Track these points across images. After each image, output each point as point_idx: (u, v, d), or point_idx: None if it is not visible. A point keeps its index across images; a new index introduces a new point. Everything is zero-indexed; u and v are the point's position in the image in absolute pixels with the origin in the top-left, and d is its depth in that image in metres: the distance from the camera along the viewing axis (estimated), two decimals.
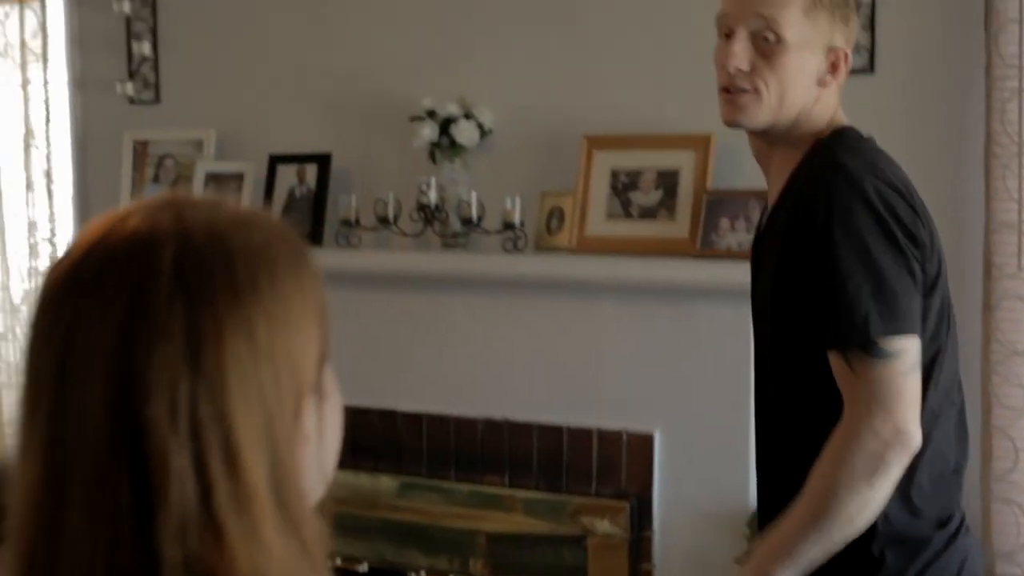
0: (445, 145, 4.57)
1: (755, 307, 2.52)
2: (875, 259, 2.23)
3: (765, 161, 2.49)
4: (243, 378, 1.07)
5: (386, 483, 4.76)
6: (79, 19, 5.55)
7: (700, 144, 4.20)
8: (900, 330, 2.22)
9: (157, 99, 5.38)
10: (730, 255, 4.05)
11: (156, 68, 5.37)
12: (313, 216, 4.82)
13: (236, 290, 1.08)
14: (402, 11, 4.79)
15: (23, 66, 5.56)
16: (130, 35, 5.39)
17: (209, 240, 1.09)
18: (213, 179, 5.08)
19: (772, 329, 2.43)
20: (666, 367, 4.28)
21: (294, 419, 1.11)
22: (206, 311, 1.06)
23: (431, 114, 4.56)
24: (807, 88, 2.37)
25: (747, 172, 4.22)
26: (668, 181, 4.27)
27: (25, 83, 5.56)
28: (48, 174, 5.56)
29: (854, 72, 4.00)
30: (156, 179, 5.26)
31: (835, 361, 2.26)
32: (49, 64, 5.53)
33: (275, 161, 4.96)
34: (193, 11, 5.27)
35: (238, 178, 5.04)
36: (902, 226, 2.26)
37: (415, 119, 4.58)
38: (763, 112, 2.37)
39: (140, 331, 1.05)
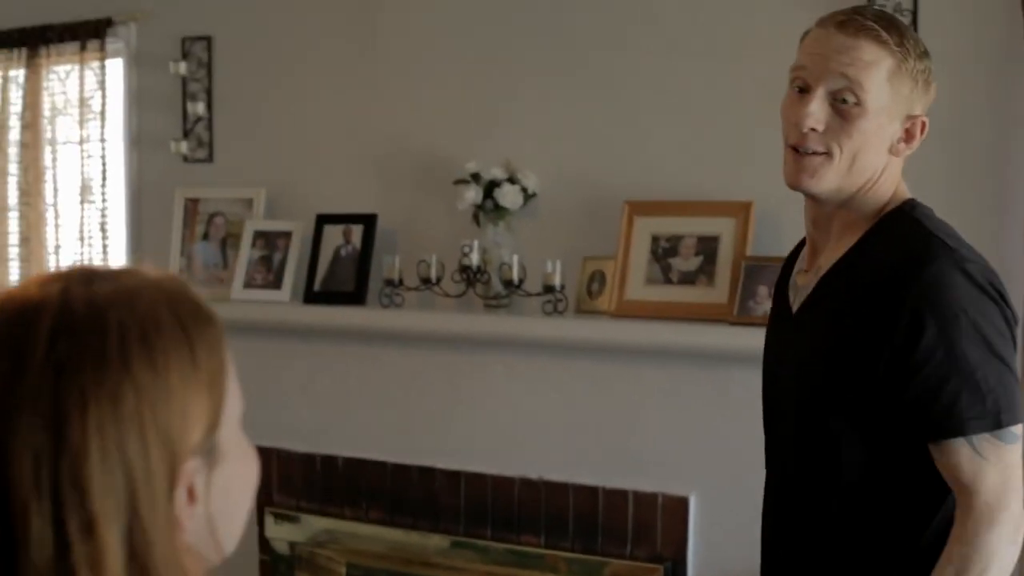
0: (489, 208, 4.62)
1: (785, 373, 2.48)
2: (998, 349, 2.21)
3: (821, 225, 2.43)
4: (105, 447, 1.12)
5: (424, 540, 4.79)
6: (137, 78, 5.66)
7: (740, 211, 4.24)
8: (1020, 418, 2.22)
9: (210, 158, 5.48)
10: (767, 322, 4.07)
11: (210, 127, 5.47)
12: (358, 275, 4.89)
13: (105, 362, 1.14)
14: (449, 75, 4.87)
15: (82, 123, 5.68)
16: (186, 95, 5.50)
17: (87, 313, 1.16)
18: (261, 237, 5.16)
19: (824, 403, 2.36)
20: (702, 431, 4.30)
21: (166, 486, 1.16)
22: (73, 381, 1.13)
23: (475, 177, 4.62)
24: (879, 155, 2.32)
25: (786, 239, 4.24)
26: (708, 247, 4.30)
27: (83, 139, 5.67)
28: (103, 228, 5.65)
29: None
30: (206, 236, 5.34)
31: (954, 449, 2.20)
32: (107, 121, 5.64)
33: (322, 220, 5.03)
34: (247, 73, 5.37)
35: (286, 236, 5.12)
36: (1011, 311, 2.27)
37: (460, 182, 4.65)
38: (832, 177, 2.30)
39: (10, 399, 1.13)
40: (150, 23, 5.57)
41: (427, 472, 4.80)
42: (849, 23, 2.30)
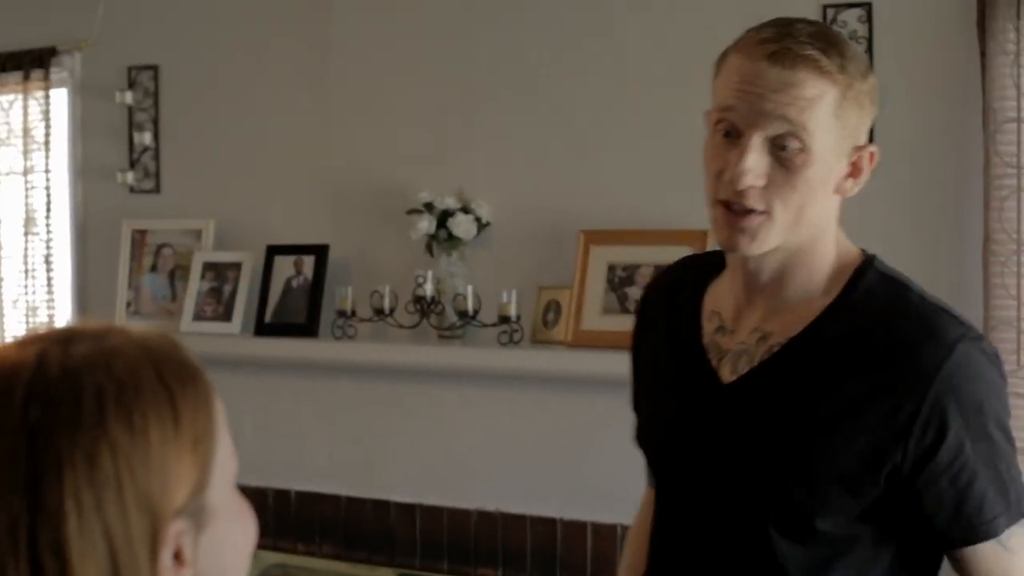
0: (442, 238, 4.59)
1: (708, 452, 2.05)
2: (1011, 434, 1.97)
3: (753, 282, 2.03)
4: (82, 510, 1.11)
5: (381, 573, 4.75)
6: (82, 108, 5.59)
7: (696, 239, 4.22)
8: None
9: (157, 188, 5.42)
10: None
11: (157, 158, 5.41)
12: (309, 307, 4.83)
13: (79, 425, 1.13)
14: (401, 105, 4.83)
15: (25, 153, 5.60)
16: (132, 125, 5.44)
17: (60, 375, 1.15)
18: (211, 268, 5.10)
19: (780, 504, 1.97)
20: None
21: (148, 549, 1.14)
22: (47, 445, 1.12)
23: (429, 207, 4.58)
24: (828, 201, 1.96)
25: None
26: None
27: (27, 170, 5.59)
28: (47, 260, 5.58)
29: None
30: (154, 268, 5.28)
31: (983, 552, 1.94)
32: (51, 152, 5.56)
33: (273, 251, 4.98)
34: (194, 102, 5.32)
35: (236, 267, 5.06)
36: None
37: (413, 212, 4.61)
38: (775, 237, 1.93)
39: None
40: (95, 52, 5.51)
41: (382, 505, 4.75)
42: (783, 54, 1.88)
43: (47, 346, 1.18)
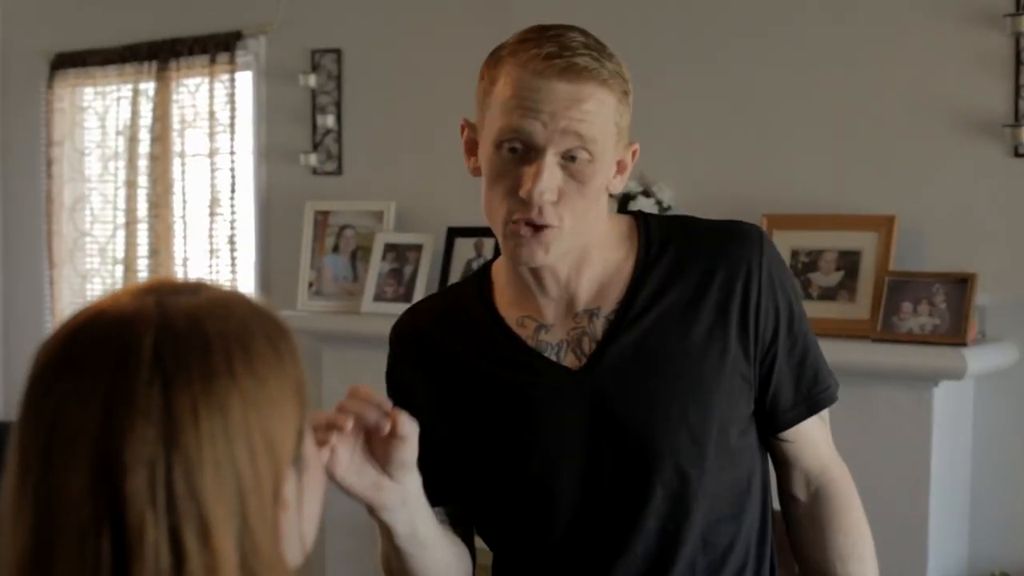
0: None
1: (660, 425, 1.97)
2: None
3: (539, 277, 1.99)
4: (217, 457, 1.14)
5: None
6: (266, 91, 5.69)
7: (883, 225, 4.15)
8: None
9: (339, 170, 5.49)
10: (911, 339, 3.99)
11: (339, 140, 5.48)
12: None
13: (211, 374, 1.15)
14: None
15: (211, 136, 5.72)
16: (315, 108, 5.52)
17: (187, 326, 1.17)
18: (392, 250, 5.14)
19: (717, 426, 1.98)
20: (845, 449, 4.20)
21: (272, 493, 1.18)
22: (183, 394, 1.14)
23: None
24: (602, 200, 1.96)
25: (930, 255, 4.17)
26: (849, 262, 4.21)
27: (213, 152, 5.71)
28: (232, 241, 5.69)
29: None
30: (336, 249, 5.34)
31: (809, 426, 2.07)
32: (236, 134, 5.67)
33: (453, 233, 5.01)
34: (376, 85, 5.37)
35: (416, 249, 5.10)
36: None
37: None
38: (563, 246, 1.91)
39: (120, 413, 1.13)
40: (280, 36, 5.60)
41: None
42: (571, 69, 1.87)
43: (161, 296, 1.20)
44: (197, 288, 1.23)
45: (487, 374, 2.04)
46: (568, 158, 1.86)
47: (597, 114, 1.86)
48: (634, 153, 1.99)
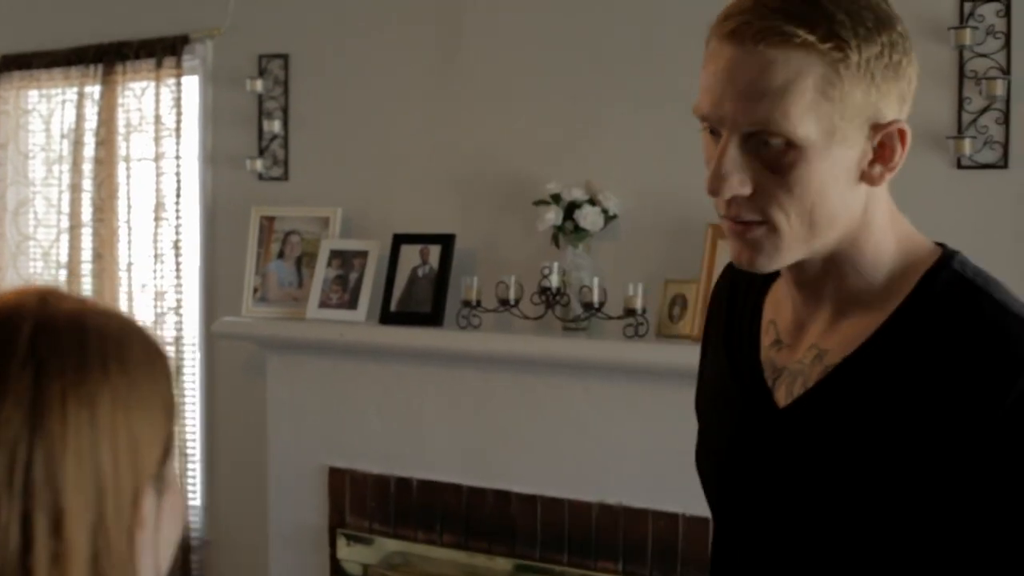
0: (569, 229, 4.58)
1: (767, 484, 1.76)
2: None
3: (808, 291, 1.74)
4: (81, 447, 1.14)
5: (500, 564, 4.75)
6: (213, 96, 5.66)
7: None
8: None
9: (286, 176, 5.47)
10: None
11: (286, 145, 5.46)
12: (435, 296, 4.85)
13: (85, 366, 1.16)
14: (531, 94, 4.83)
15: (156, 140, 5.68)
16: (261, 113, 5.50)
17: (67, 320, 1.18)
18: (337, 256, 5.13)
19: (859, 544, 1.65)
20: None
21: (131, 498, 1.17)
22: (54, 382, 1.14)
23: (556, 198, 4.58)
24: (848, 196, 1.62)
25: None
26: None
27: (158, 157, 5.67)
28: (176, 246, 5.65)
29: (987, 167, 4.01)
30: (281, 255, 5.32)
31: None
32: (182, 139, 5.64)
33: (399, 240, 5.00)
34: (323, 90, 5.36)
35: (362, 256, 5.09)
36: None
37: (540, 203, 4.60)
38: (789, 249, 1.63)
39: None
40: (226, 40, 5.58)
41: (502, 495, 4.75)
42: (740, 31, 1.57)
43: (46, 296, 1.21)
44: (81, 298, 1.24)
45: (722, 358, 1.89)
46: (760, 143, 1.58)
47: (784, 89, 1.55)
48: (901, 135, 1.61)
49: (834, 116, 1.55)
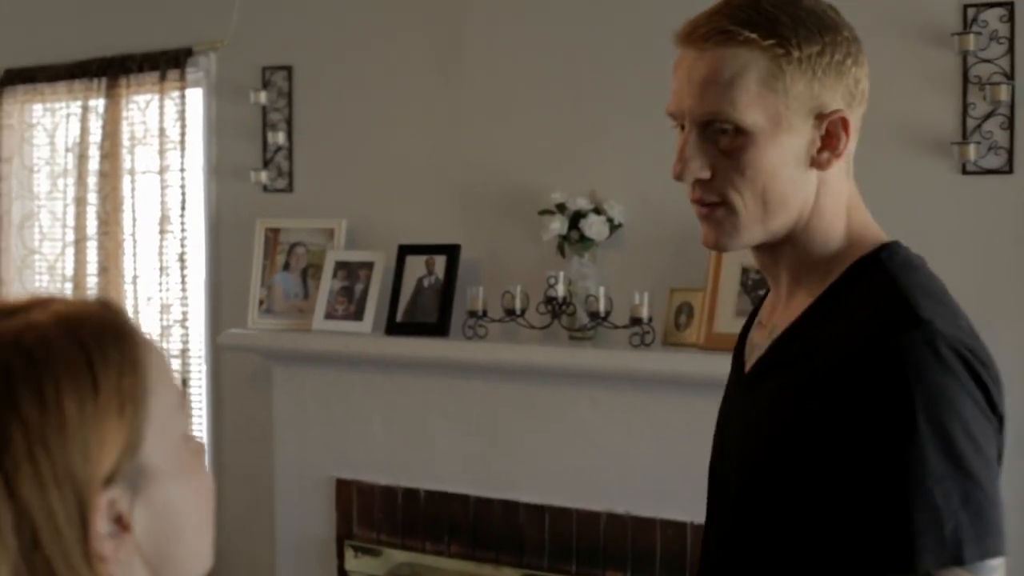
0: (574, 239, 4.58)
1: (730, 442, 1.97)
2: (969, 461, 1.62)
3: (770, 274, 1.94)
4: None
5: (507, 574, 4.74)
6: (217, 108, 5.67)
7: None
8: (995, 551, 1.62)
9: (290, 188, 5.47)
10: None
11: (290, 157, 5.47)
12: (440, 306, 4.84)
13: None
14: (533, 105, 4.83)
15: (161, 153, 5.68)
16: (266, 125, 5.50)
17: None
18: (343, 267, 5.13)
19: (767, 488, 1.81)
20: None
21: (76, 522, 1.13)
22: None
23: (561, 208, 4.57)
24: (798, 180, 1.79)
25: None
26: None
27: (163, 169, 5.67)
28: (182, 258, 5.65)
29: (992, 172, 4.01)
30: (286, 266, 5.32)
31: None
32: (186, 151, 5.64)
33: (404, 251, 5.00)
34: (327, 102, 5.36)
35: (367, 267, 5.09)
36: (995, 410, 1.70)
37: (545, 212, 4.60)
38: (746, 229, 1.80)
39: None
40: (230, 53, 5.58)
41: (510, 506, 4.75)
42: (694, 33, 1.80)
43: None
44: (23, 308, 1.19)
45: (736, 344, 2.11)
46: (716, 131, 1.79)
47: (732, 80, 1.76)
48: (843, 123, 1.80)
49: (779, 105, 1.76)
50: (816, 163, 1.80)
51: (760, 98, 1.75)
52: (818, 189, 1.82)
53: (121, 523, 1.16)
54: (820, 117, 1.78)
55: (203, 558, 1.25)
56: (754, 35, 1.75)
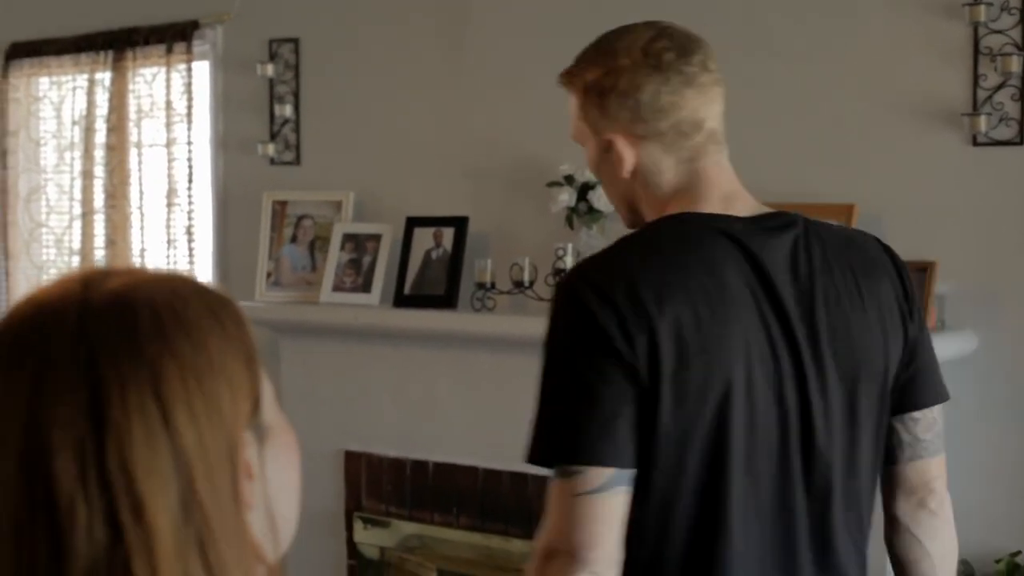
0: (583, 210, 4.57)
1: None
2: (553, 382, 2.08)
3: None
4: (149, 426, 1.09)
5: (516, 546, 4.74)
6: (224, 81, 5.66)
7: (842, 213, 4.15)
8: (567, 458, 2.03)
9: (297, 160, 5.46)
10: None
11: (297, 130, 5.46)
12: (449, 279, 4.84)
13: (139, 345, 1.10)
14: (541, 77, 4.80)
15: (168, 126, 5.68)
16: (273, 97, 5.49)
17: (111, 300, 1.12)
18: (350, 240, 5.12)
19: None
20: None
21: (226, 458, 1.13)
22: (107, 365, 1.09)
23: (569, 179, 4.56)
24: (617, 186, 2.19)
25: (889, 243, 4.17)
26: None
27: (170, 142, 5.67)
28: (189, 231, 5.66)
29: (1003, 144, 3.99)
30: (294, 239, 5.32)
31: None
32: (193, 124, 5.63)
33: (412, 223, 4.99)
34: (334, 75, 5.35)
35: (375, 239, 5.08)
36: (599, 338, 1.98)
37: (553, 184, 4.59)
38: (624, 219, 2.28)
39: (45, 390, 1.09)
40: (236, 25, 5.57)
41: (519, 477, 4.74)
42: (561, 76, 2.30)
43: (88, 280, 1.16)
44: (128, 271, 1.19)
45: None
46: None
47: (574, 109, 2.24)
48: (608, 144, 2.16)
49: (589, 127, 2.20)
50: (626, 173, 2.19)
51: (583, 126, 2.27)
52: (636, 194, 2.22)
53: (248, 472, 1.16)
54: (604, 143, 2.20)
55: (294, 523, 1.25)
56: (573, 72, 2.35)
